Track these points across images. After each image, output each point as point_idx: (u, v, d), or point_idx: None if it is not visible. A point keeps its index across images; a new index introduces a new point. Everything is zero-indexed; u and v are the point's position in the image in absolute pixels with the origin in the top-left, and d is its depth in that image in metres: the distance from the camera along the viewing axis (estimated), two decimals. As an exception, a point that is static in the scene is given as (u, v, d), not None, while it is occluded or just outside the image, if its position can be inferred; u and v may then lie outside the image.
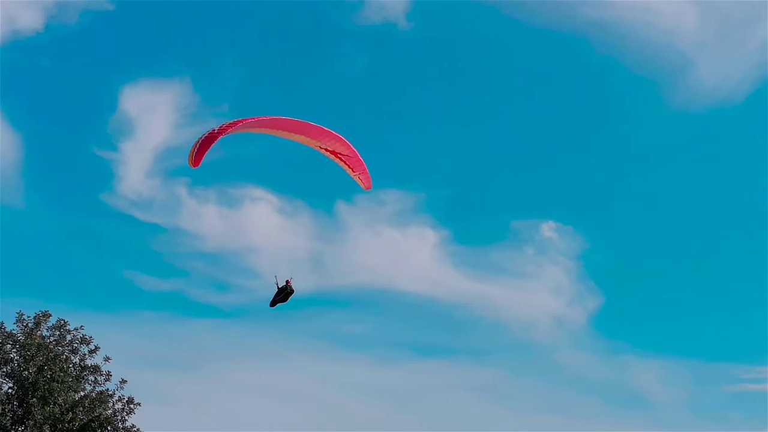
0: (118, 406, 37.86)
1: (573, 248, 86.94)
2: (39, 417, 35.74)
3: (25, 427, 35.92)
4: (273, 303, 26.03)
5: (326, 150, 25.21)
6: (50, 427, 35.86)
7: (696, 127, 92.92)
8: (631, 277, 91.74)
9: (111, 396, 37.84)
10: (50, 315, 38.89)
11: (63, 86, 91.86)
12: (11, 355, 37.58)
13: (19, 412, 36.74)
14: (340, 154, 25.41)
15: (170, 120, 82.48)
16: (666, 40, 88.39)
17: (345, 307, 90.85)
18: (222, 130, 23.75)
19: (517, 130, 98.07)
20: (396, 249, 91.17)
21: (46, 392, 36.51)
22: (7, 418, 36.05)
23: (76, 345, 38.64)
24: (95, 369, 38.41)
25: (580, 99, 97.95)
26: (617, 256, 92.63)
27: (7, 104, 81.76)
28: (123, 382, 38.33)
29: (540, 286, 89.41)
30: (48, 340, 38.14)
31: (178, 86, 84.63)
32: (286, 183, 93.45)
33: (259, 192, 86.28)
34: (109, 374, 38.48)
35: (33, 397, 36.53)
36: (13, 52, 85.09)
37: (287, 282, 25.75)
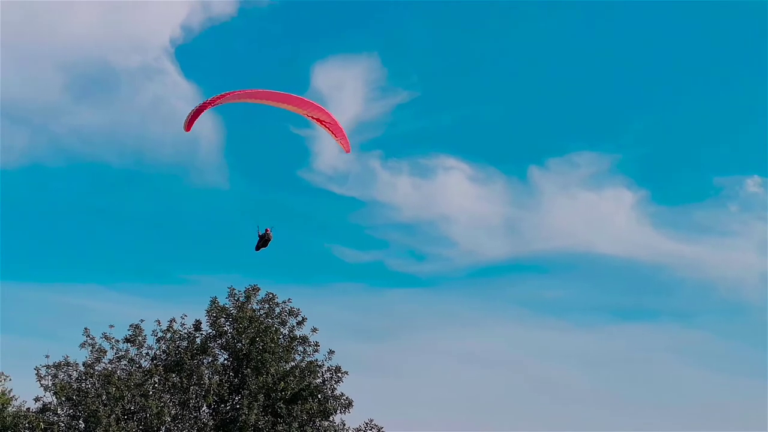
0: (327, 375, 38.44)
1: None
2: (253, 386, 36.80)
3: (242, 397, 37.09)
4: (257, 248, 30.32)
5: (312, 117, 28.00)
6: (264, 395, 36.89)
7: None
8: None
9: (320, 366, 38.48)
10: (259, 289, 40.09)
11: (257, 67, 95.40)
12: (225, 328, 39.04)
13: (235, 381, 38.11)
14: (323, 121, 28.12)
15: (360, 95, 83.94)
16: None
17: (543, 273, 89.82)
18: (212, 101, 26.60)
19: (716, 81, 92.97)
20: (592, 212, 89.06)
21: (259, 363, 37.67)
22: (225, 387, 37.49)
23: (284, 317, 39.53)
24: (304, 340, 39.19)
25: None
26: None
27: (208, 89, 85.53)
28: (331, 352, 38.93)
29: (747, 244, 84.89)
30: (258, 313, 39.33)
31: (367, 61, 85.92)
32: (478, 151, 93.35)
33: (451, 161, 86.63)
34: (317, 345, 39.19)
35: (247, 367, 37.76)
36: (210, 38, 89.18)
37: (266, 230, 30.07)
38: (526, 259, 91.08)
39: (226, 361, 38.72)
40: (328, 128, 28.52)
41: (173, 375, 36.88)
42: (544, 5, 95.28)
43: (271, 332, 38.45)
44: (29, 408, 38.15)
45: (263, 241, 30.27)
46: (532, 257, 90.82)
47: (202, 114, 26.73)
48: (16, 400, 43.46)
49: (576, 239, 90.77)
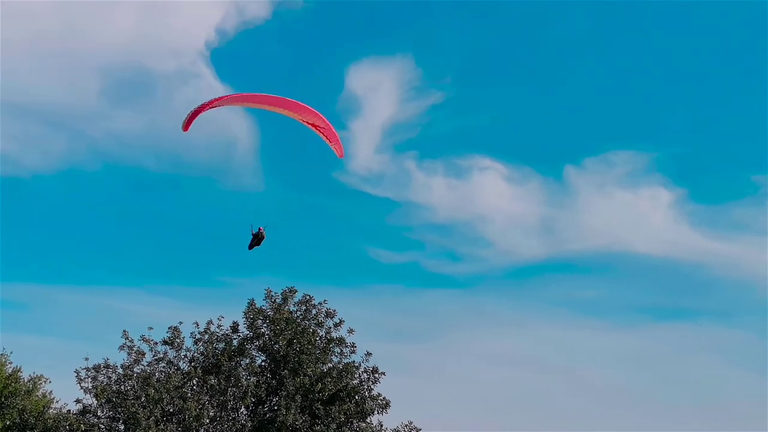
0: (364, 376, 38.37)
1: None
2: (291, 388, 36.86)
3: (279, 398, 37.13)
4: (250, 247, 30.43)
5: (307, 123, 27.95)
6: (302, 397, 36.93)
7: None
8: None
9: (357, 367, 38.42)
10: (296, 291, 40.15)
11: (292, 70, 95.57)
12: (262, 330, 39.11)
13: (273, 383, 38.15)
14: (318, 126, 28.16)
15: (395, 96, 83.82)
16: None
17: (579, 272, 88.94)
18: (210, 103, 26.90)
19: (752, 79, 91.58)
20: (629, 211, 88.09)
21: (296, 364, 37.68)
22: (262, 389, 37.56)
23: (321, 319, 39.46)
24: (340, 341, 39.09)
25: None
26: None
27: (242, 91, 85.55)
28: (368, 354, 38.85)
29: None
30: (295, 315, 39.35)
31: (401, 62, 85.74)
32: (513, 151, 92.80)
33: (486, 161, 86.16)
34: (353, 346, 39.11)
35: (284, 369, 37.78)
36: (244, 42, 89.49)
37: (260, 229, 30.13)
38: (563, 258, 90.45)
39: (263, 363, 38.80)
40: (323, 133, 28.62)
41: (211, 377, 36.99)
42: (579, 5, 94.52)
43: (308, 334, 38.49)
44: (69, 410, 38.60)
45: (257, 239, 30.52)
46: (568, 257, 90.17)
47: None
48: (56, 402, 43.99)
49: (613, 239, 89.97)
